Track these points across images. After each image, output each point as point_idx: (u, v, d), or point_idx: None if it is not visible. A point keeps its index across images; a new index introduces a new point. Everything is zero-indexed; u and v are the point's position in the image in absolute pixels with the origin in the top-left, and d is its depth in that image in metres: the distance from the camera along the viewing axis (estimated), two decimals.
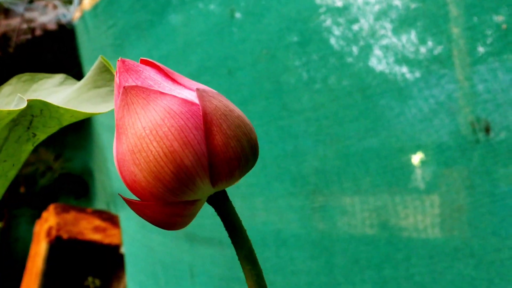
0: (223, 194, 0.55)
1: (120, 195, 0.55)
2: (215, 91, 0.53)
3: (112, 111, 0.67)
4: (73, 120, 0.68)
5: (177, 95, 0.51)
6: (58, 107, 0.64)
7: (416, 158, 1.44)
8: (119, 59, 0.53)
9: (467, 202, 1.32)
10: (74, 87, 0.75)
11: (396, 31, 1.46)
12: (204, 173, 0.50)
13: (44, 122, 0.67)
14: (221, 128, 0.51)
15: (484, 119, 1.26)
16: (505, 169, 1.25)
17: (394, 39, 1.46)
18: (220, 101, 0.53)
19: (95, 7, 2.77)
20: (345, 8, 1.53)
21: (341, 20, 1.55)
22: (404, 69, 1.45)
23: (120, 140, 0.52)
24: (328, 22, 1.58)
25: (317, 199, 1.61)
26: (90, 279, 4.03)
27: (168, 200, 0.52)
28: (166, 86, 0.53)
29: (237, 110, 0.54)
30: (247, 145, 0.52)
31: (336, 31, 1.57)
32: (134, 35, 2.40)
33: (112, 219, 4.00)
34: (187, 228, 1.85)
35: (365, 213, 1.52)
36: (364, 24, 1.50)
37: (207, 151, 0.50)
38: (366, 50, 1.52)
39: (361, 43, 1.52)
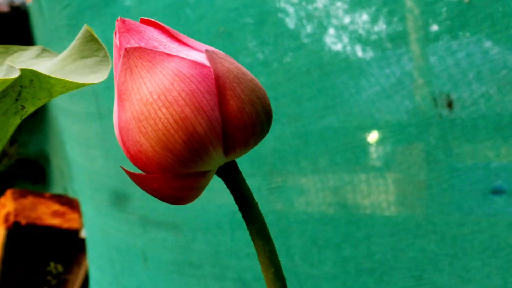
0: (234, 164, 0.53)
1: (122, 167, 0.50)
2: (223, 53, 0.50)
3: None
4: (64, 91, 0.63)
5: (185, 56, 0.48)
6: (49, 77, 0.59)
7: (376, 136, 1.42)
8: (119, 18, 0.49)
9: (429, 178, 1.31)
10: (57, 58, 0.70)
11: (352, 10, 1.43)
12: (218, 141, 0.47)
13: (33, 93, 0.62)
14: (234, 92, 0.48)
15: (447, 94, 1.25)
16: (467, 144, 1.24)
17: (350, 18, 1.43)
18: (232, 63, 0.50)
19: None
20: None
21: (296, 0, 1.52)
22: (362, 47, 1.43)
23: (123, 107, 0.48)
24: (283, 1, 1.56)
25: (275, 179, 1.58)
26: (52, 264, 3.99)
27: (177, 171, 0.48)
28: (172, 47, 0.49)
29: (249, 73, 0.50)
30: (261, 110, 0.49)
31: (291, 11, 1.54)
32: (89, 15, 2.35)
33: (70, 203, 3.96)
34: (140, 212, 1.79)
35: (324, 193, 1.50)
36: (320, 3, 1.47)
37: (221, 118, 0.47)
38: (322, 30, 1.49)
39: (317, 22, 1.49)
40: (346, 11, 1.43)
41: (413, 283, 1.36)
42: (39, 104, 0.65)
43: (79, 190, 3.09)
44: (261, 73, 1.60)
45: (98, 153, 2.44)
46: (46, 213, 3.95)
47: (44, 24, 2.95)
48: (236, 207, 1.69)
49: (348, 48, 1.45)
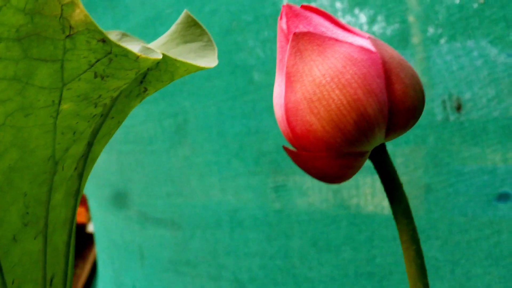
0: (384, 147, 0.56)
1: (284, 147, 0.54)
2: (381, 40, 0.54)
3: None
4: (185, 74, 0.65)
5: (353, 42, 0.51)
6: (175, 59, 0.60)
7: None
8: (285, 4, 0.53)
9: (434, 181, 1.29)
10: (156, 42, 0.72)
11: (353, 9, 1.41)
12: (383, 123, 0.50)
13: (158, 76, 0.64)
14: (399, 77, 0.50)
15: (456, 97, 1.23)
16: (474, 148, 1.23)
17: (351, 17, 1.41)
18: (392, 50, 0.52)
19: None
20: None
21: None
22: None
23: (293, 88, 0.51)
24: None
25: (278, 178, 1.57)
26: None
27: (342, 150, 0.51)
28: (338, 33, 0.52)
29: (406, 60, 0.53)
30: (420, 95, 0.52)
31: None
32: (101, 7, 2.32)
33: None
34: (139, 208, 1.76)
35: (327, 193, 1.48)
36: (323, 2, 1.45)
37: (388, 100, 0.50)
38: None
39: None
40: (347, 11, 1.41)
41: None
42: (160, 87, 0.66)
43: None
44: (273, 68, 1.58)
45: None
46: None
47: None
48: (237, 206, 1.66)
49: None
